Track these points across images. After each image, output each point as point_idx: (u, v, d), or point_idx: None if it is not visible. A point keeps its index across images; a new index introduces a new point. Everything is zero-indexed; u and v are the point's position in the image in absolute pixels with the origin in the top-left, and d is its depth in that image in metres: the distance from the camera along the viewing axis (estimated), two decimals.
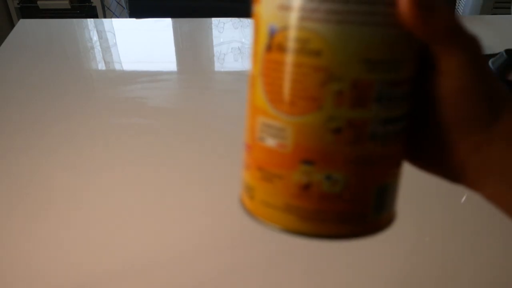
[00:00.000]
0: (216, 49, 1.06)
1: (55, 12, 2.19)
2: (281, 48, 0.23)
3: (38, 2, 2.14)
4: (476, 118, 0.25)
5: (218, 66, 1.00)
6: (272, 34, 0.24)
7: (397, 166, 0.27)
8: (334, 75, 0.23)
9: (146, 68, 0.99)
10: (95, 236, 0.60)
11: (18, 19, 1.81)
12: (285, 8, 0.23)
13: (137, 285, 0.54)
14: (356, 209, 0.26)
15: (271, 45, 0.24)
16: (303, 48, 0.23)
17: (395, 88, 0.24)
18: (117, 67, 1.01)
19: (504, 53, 0.84)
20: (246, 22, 1.18)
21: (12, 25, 2.21)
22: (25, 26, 1.14)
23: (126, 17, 2.27)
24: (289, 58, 0.23)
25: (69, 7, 2.17)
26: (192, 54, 1.05)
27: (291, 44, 0.23)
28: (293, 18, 0.23)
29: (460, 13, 2.24)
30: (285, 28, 0.23)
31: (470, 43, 0.24)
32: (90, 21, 1.19)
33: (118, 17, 2.31)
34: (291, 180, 0.25)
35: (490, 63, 0.86)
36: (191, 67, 1.01)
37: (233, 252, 0.59)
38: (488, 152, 0.26)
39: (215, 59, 1.02)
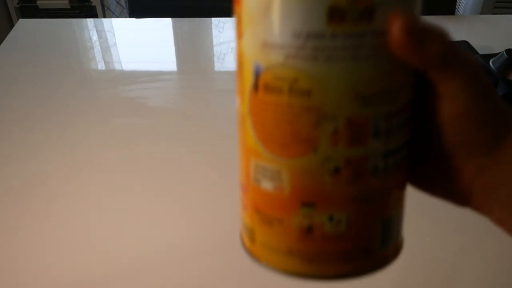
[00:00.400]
0: (216, 49, 1.06)
1: (55, 12, 2.18)
2: (269, 89, 0.22)
3: (38, 2, 2.14)
4: (479, 143, 0.25)
5: (218, 66, 1.00)
6: (257, 73, 0.22)
7: (400, 195, 0.26)
8: (327, 115, 0.22)
9: (146, 68, 0.98)
10: (94, 236, 0.60)
11: (18, 19, 1.81)
12: (269, 46, 0.21)
13: (137, 285, 0.54)
14: (362, 246, 0.25)
15: (258, 85, 0.22)
16: (292, 88, 0.21)
17: (393, 119, 0.23)
18: (117, 67, 1.01)
19: (505, 53, 0.84)
20: None
21: (11, 25, 2.21)
22: (25, 26, 1.14)
23: (125, 17, 2.27)
24: (278, 99, 0.22)
25: (69, 7, 2.17)
26: (192, 54, 1.05)
27: (278, 84, 0.22)
28: (279, 56, 0.21)
29: (461, 13, 2.24)
30: (271, 67, 0.22)
31: (467, 66, 0.23)
32: (90, 21, 1.19)
33: (117, 17, 2.31)
34: (292, 224, 0.24)
35: (490, 63, 0.86)
36: (191, 67, 1.01)
37: (233, 252, 0.59)
38: (493, 175, 0.25)
39: (215, 59, 1.02)
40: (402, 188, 0.26)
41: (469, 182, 0.26)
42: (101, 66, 1.00)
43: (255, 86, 0.22)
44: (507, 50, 0.84)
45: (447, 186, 0.27)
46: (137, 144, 0.76)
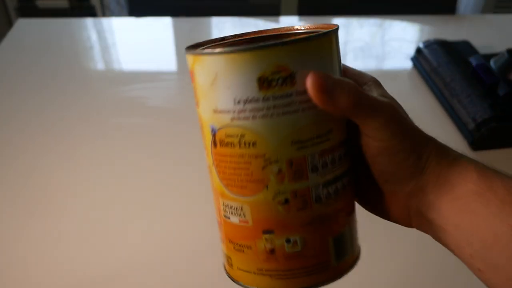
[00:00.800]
0: None
1: (54, 11, 2.18)
2: (223, 144, 0.28)
3: (37, 2, 2.14)
4: (403, 173, 0.28)
5: None
6: (213, 132, 0.28)
7: (348, 215, 0.31)
8: (271, 159, 0.27)
9: (145, 67, 0.98)
10: (94, 235, 0.60)
11: (17, 19, 1.81)
12: (218, 111, 0.27)
13: (137, 285, 0.54)
14: (319, 261, 0.29)
15: (216, 142, 0.28)
16: (240, 142, 0.27)
17: (327, 156, 0.28)
18: (117, 66, 1.00)
19: (506, 53, 0.84)
20: (246, 21, 1.17)
21: (10, 25, 2.20)
22: (24, 26, 1.14)
23: (125, 16, 2.26)
24: (232, 151, 0.28)
25: (68, 6, 2.16)
26: None
27: (230, 139, 0.27)
28: (226, 119, 0.27)
29: (461, 12, 2.23)
30: (222, 127, 0.28)
31: (382, 108, 0.27)
32: (89, 21, 1.18)
33: (117, 16, 2.31)
34: (258, 248, 0.29)
35: (491, 62, 0.85)
36: None
37: None
38: (421, 199, 0.29)
39: None
40: (348, 209, 0.31)
41: (404, 206, 0.30)
42: (100, 66, 1.00)
43: (214, 143, 0.28)
44: (508, 50, 0.84)
45: (388, 209, 0.31)
46: (136, 144, 0.76)
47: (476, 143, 0.75)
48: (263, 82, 0.26)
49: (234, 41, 0.35)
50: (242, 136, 0.27)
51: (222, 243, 0.32)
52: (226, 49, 0.26)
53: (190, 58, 0.28)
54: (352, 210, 0.31)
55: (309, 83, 0.26)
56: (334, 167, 0.28)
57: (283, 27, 0.33)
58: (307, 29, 0.32)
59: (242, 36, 0.35)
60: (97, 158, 0.73)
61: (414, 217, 0.30)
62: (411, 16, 1.20)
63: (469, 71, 0.84)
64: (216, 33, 1.12)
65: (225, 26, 1.15)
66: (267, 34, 0.34)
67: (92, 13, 2.22)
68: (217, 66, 0.27)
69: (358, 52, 1.05)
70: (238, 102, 0.27)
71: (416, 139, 0.29)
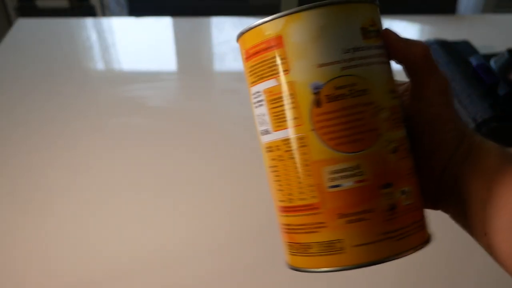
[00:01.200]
0: (216, 49, 1.05)
1: (54, 11, 2.18)
2: (333, 98, 0.27)
3: (37, 1, 2.14)
4: (447, 145, 0.30)
5: (218, 66, 1.00)
6: (318, 90, 0.27)
7: None
8: (380, 106, 0.28)
9: (145, 67, 0.98)
10: (94, 235, 0.60)
11: (17, 18, 1.81)
12: (325, 64, 0.27)
13: (137, 285, 0.54)
14: (423, 214, 0.30)
15: (320, 100, 0.27)
16: (352, 91, 0.27)
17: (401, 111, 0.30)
18: (116, 66, 1.00)
19: (506, 53, 0.84)
20: (246, 21, 1.17)
21: (10, 24, 2.20)
22: (24, 25, 1.13)
23: (125, 16, 2.26)
24: (343, 103, 0.27)
25: (68, 6, 2.16)
26: (192, 53, 1.05)
27: (340, 91, 0.27)
28: (336, 69, 0.27)
29: (461, 12, 2.23)
30: (331, 80, 0.27)
31: (443, 73, 0.30)
32: (89, 20, 1.18)
33: (117, 16, 2.30)
34: (379, 208, 0.27)
35: (492, 62, 0.85)
36: (191, 66, 1.00)
37: (233, 252, 0.58)
38: (455, 171, 0.30)
39: (215, 58, 1.02)
40: None
41: (436, 183, 0.30)
42: (100, 65, 1.00)
43: (317, 102, 0.27)
44: (508, 50, 0.84)
45: (427, 190, 0.31)
46: (136, 144, 0.75)
47: None
48: (365, 32, 0.28)
49: None
50: (354, 84, 0.27)
51: (322, 230, 0.28)
52: (333, 1, 0.28)
53: (280, 21, 0.28)
54: None
55: (391, 34, 0.30)
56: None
57: None
58: None
59: None
60: (96, 158, 0.72)
61: (443, 194, 0.31)
62: (411, 16, 1.20)
63: (469, 71, 0.84)
64: (216, 33, 1.12)
65: (225, 26, 1.15)
66: None
67: (92, 13, 2.22)
68: (324, 18, 0.27)
69: None
70: (347, 51, 0.27)
71: (458, 114, 0.31)
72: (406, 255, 0.28)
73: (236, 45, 1.16)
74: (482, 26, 1.16)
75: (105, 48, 1.05)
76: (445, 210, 0.31)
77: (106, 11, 2.28)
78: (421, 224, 0.29)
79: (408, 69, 0.30)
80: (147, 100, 0.86)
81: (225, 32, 1.12)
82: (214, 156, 0.73)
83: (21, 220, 0.62)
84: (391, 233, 0.27)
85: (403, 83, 0.33)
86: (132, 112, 0.83)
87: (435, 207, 0.31)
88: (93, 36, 1.10)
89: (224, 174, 0.70)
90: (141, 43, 1.07)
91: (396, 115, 0.29)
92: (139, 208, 0.64)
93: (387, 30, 0.30)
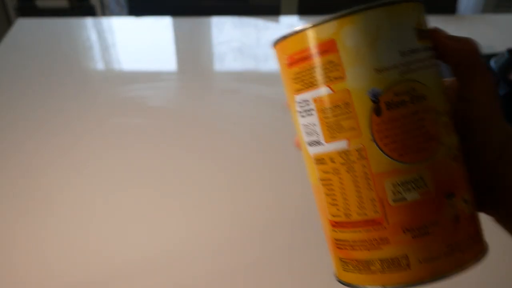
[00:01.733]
0: (216, 49, 1.05)
1: (54, 11, 2.18)
2: (393, 105, 0.26)
3: (37, 1, 2.14)
4: (491, 148, 0.28)
5: (218, 66, 1.00)
6: (376, 97, 0.26)
7: None
8: (439, 111, 0.26)
9: (145, 67, 0.98)
10: (94, 236, 0.60)
11: (16, 18, 1.80)
12: (384, 69, 0.25)
13: (137, 285, 0.54)
14: (480, 221, 0.28)
15: (380, 108, 0.26)
16: (412, 97, 0.26)
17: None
18: (116, 66, 1.00)
19: (506, 53, 0.84)
20: (246, 21, 1.17)
21: (10, 24, 2.20)
22: (23, 25, 1.13)
23: (125, 16, 2.26)
24: (403, 111, 0.26)
25: (68, 6, 2.16)
26: (192, 53, 1.05)
27: (400, 97, 0.26)
28: (394, 74, 0.26)
29: (461, 12, 2.23)
30: (390, 86, 0.26)
31: (489, 75, 0.28)
32: (89, 20, 1.18)
33: (117, 16, 2.30)
34: (444, 220, 0.26)
35: (492, 62, 0.85)
36: (191, 66, 1.00)
37: (234, 252, 0.58)
38: (498, 173, 0.29)
39: (215, 58, 1.02)
40: None
41: (483, 183, 0.29)
42: (100, 65, 0.99)
43: (377, 110, 0.26)
44: (508, 50, 0.84)
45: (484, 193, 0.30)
46: (136, 144, 0.75)
47: None
48: (419, 33, 0.26)
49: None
50: (413, 90, 0.26)
51: (386, 246, 0.27)
52: (387, 1, 0.26)
53: (333, 24, 0.26)
54: None
55: (441, 32, 0.28)
56: None
57: None
58: None
59: None
60: (96, 157, 0.72)
61: (490, 197, 0.29)
62: None
63: None
64: (216, 33, 1.12)
65: (225, 26, 1.14)
66: None
67: (91, 13, 2.22)
68: (381, 19, 0.26)
69: None
70: (405, 53, 0.26)
71: (503, 112, 0.29)
72: (470, 267, 0.26)
73: (236, 45, 1.16)
74: (482, 26, 1.16)
75: (105, 48, 1.05)
76: (491, 213, 0.30)
77: (106, 11, 2.28)
78: (481, 233, 0.28)
79: (457, 68, 0.29)
80: (147, 100, 0.86)
81: (225, 32, 1.12)
82: (214, 156, 0.73)
83: (21, 219, 0.62)
84: (456, 245, 0.26)
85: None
86: (132, 112, 0.83)
87: (480, 210, 0.30)
88: (93, 36, 1.10)
89: (224, 174, 0.70)
90: (141, 43, 1.07)
91: (451, 119, 0.27)
92: (139, 208, 0.64)
93: (436, 29, 0.28)
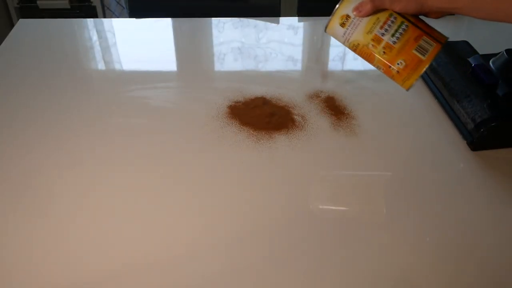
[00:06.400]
0: (216, 49, 1.06)
1: (55, 12, 2.18)
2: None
3: (38, 2, 2.14)
4: None
5: (218, 66, 1.00)
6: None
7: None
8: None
9: (146, 68, 0.98)
10: (94, 236, 0.60)
11: (18, 19, 1.80)
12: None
13: (137, 285, 0.54)
14: None
15: None
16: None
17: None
18: (117, 67, 1.00)
19: (505, 53, 0.84)
20: (246, 22, 1.17)
21: (11, 25, 2.21)
22: (25, 26, 1.14)
23: (126, 17, 2.26)
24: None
25: (69, 7, 2.16)
26: (192, 54, 1.05)
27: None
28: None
29: None
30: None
31: None
32: (90, 21, 1.19)
33: (117, 17, 2.31)
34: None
35: (490, 63, 0.86)
36: (191, 67, 1.01)
37: (234, 252, 0.59)
38: None
39: (215, 59, 1.02)
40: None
41: None
42: (101, 66, 1.00)
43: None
44: (507, 50, 0.84)
45: None
46: (136, 144, 0.76)
47: (476, 143, 0.75)
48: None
49: None
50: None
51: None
52: None
53: None
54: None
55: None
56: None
57: None
58: None
59: None
60: (97, 157, 0.73)
61: None
62: None
63: (468, 71, 0.85)
64: (216, 33, 1.12)
65: (225, 26, 1.15)
66: None
67: (93, 13, 2.22)
68: None
69: None
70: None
71: None
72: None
73: (236, 45, 1.16)
74: (481, 27, 1.16)
75: (105, 48, 1.06)
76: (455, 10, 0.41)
77: (107, 12, 2.28)
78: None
79: None
80: (146, 100, 0.87)
81: (225, 32, 1.12)
82: (214, 156, 0.74)
83: (21, 219, 0.62)
84: None
85: None
86: (131, 112, 0.83)
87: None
88: (94, 37, 1.11)
89: (224, 174, 0.70)
90: (142, 44, 1.08)
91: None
92: (139, 208, 0.64)
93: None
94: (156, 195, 0.66)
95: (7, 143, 0.76)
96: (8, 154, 0.73)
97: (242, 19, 1.19)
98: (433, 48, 0.59)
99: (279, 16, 1.27)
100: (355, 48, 0.62)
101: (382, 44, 0.59)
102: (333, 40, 1.11)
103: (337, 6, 0.60)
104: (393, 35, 0.59)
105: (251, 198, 0.66)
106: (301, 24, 1.19)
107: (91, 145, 0.75)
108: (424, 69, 0.59)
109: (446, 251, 0.59)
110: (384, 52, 0.60)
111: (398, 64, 0.60)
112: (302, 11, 1.35)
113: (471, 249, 0.59)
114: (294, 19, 1.21)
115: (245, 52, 1.04)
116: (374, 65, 0.64)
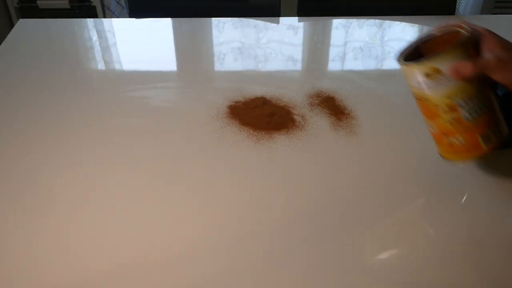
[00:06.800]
0: (216, 49, 1.06)
1: (55, 11, 2.18)
2: None
3: (38, 2, 2.14)
4: None
5: (218, 66, 1.00)
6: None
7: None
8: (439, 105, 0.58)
9: (146, 68, 0.98)
10: (94, 236, 0.60)
11: (18, 19, 1.81)
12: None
13: (137, 285, 0.54)
14: None
15: None
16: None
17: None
18: (117, 67, 1.01)
19: None
20: (246, 22, 1.17)
21: (11, 25, 2.21)
22: (25, 26, 1.14)
23: (125, 17, 2.26)
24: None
25: (69, 6, 2.17)
26: (192, 54, 1.05)
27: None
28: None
29: (461, 13, 2.24)
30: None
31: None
32: (90, 21, 1.19)
33: (117, 17, 2.31)
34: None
35: None
36: (191, 67, 1.01)
37: (235, 252, 0.59)
38: None
39: (215, 59, 1.02)
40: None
41: None
42: (101, 66, 1.00)
43: None
44: None
45: None
46: (136, 144, 0.76)
47: None
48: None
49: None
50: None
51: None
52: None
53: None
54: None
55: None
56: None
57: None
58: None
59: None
60: (97, 157, 0.73)
61: None
62: (411, 17, 1.20)
63: None
64: (216, 33, 1.12)
65: (225, 26, 1.15)
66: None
67: (93, 13, 2.22)
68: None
69: (357, 52, 1.06)
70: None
71: None
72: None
73: (236, 45, 1.16)
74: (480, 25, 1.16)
75: (105, 49, 1.06)
76: None
77: (107, 12, 2.28)
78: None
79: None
80: (146, 100, 0.87)
81: (225, 32, 1.13)
82: (214, 156, 0.74)
83: (21, 219, 0.62)
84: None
85: None
86: (131, 112, 0.83)
87: None
88: (94, 37, 1.11)
89: (225, 174, 0.70)
90: (142, 44, 1.08)
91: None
92: (139, 208, 0.64)
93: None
94: (156, 195, 0.66)
95: (7, 143, 0.76)
96: (8, 154, 0.73)
97: (242, 19, 1.19)
98: (495, 141, 0.57)
99: (279, 16, 1.27)
100: (420, 99, 0.58)
101: (454, 115, 0.56)
102: (333, 40, 1.11)
103: (432, 57, 0.54)
104: (469, 112, 0.55)
105: (251, 198, 0.66)
106: (301, 24, 1.19)
107: (91, 145, 0.75)
108: (477, 157, 0.57)
109: (446, 251, 0.59)
110: (451, 122, 0.56)
111: (456, 138, 0.57)
112: (302, 11, 1.35)
113: (471, 249, 0.60)
114: (294, 19, 1.21)
115: (245, 52, 1.04)
116: (427, 122, 0.60)
